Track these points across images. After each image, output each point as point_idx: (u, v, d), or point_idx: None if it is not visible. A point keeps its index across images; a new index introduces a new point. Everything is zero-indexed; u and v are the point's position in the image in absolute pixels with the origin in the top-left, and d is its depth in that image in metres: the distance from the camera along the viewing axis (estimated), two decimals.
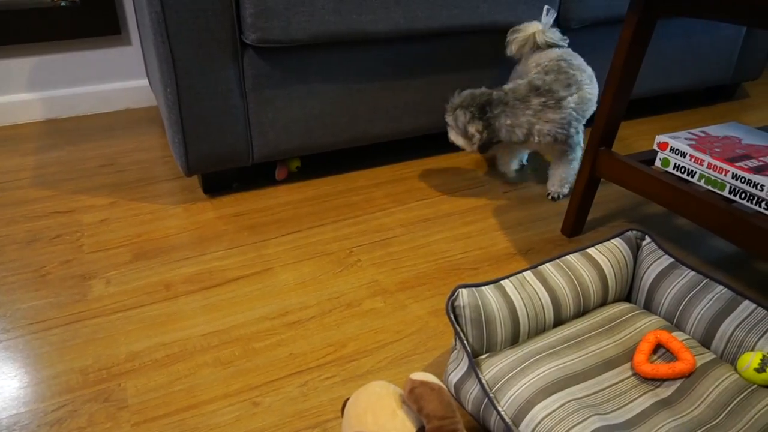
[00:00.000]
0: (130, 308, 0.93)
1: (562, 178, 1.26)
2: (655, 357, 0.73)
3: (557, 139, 1.18)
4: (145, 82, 1.84)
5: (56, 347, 0.85)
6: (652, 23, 0.92)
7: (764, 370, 0.66)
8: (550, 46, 1.26)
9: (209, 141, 1.19)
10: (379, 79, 1.30)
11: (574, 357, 0.71)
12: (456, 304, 0.71)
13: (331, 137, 1.31)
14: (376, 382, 0.65)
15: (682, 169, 0.95)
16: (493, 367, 0.69)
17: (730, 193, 0.89)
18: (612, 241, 0.84)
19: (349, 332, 0.88)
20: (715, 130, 1.02)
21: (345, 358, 0.84)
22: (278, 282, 1.00)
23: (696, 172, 0.93)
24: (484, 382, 0.67)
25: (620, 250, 0.83)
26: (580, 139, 1.22)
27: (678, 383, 0.69)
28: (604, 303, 0.82)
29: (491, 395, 0.66)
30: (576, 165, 1.25)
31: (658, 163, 0.99)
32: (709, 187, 0.92)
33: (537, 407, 0.63)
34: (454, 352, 0.73)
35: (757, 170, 0.86)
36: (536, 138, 1.18)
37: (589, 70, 1.23)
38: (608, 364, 0.71)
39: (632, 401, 0.67)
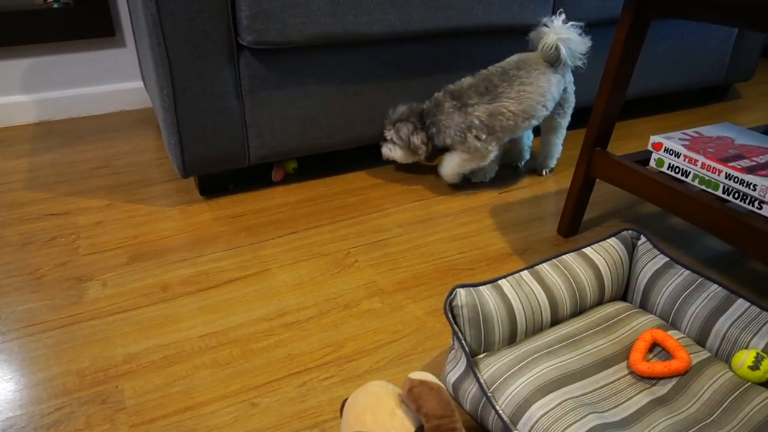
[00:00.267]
0: (127, 310, 0.93)
1: (447, 162, 1.28)
2: (651, 355, 0.73)
3: (461, 140, 1.23)
4: (139, 83, 1.84)
5: (52, 349, 0.85)
6: (646, 24, 0.93)
7: (758, 368, 0.67)
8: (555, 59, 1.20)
9: (205, 143, 1.19)
10: (375, 81, 1.31)
11: (571, 356, 0.72)
12: (454, 303, 0.72)
13: (328, 138, 1.32)
14: (375, 382, 0.65)
15: (677, 169, 0.96)
16: (490, 367, 0.70)
17: (723, 192, 0.90)
18: (608, 240, 0.85)
19: (347, 333, 0.89)
20: (708, 130, 1.03)
21: (343, 358, 0.84)
22: (276, 283, 1.00)
23: (690, 172, 0.94)
24: (482, 381, 0.67)
25: (616, 250, 0.84)
26: (482, 146, 1.21)
27: (674, 381, 0.69)
28: (600, 302, 0.83)
29: (489, 394, 0.66)
30: (465, 165, 1.26)
31: (652, 163, 1.00)
32: (703, 187, 0.93)
33: (534, 406, 0.64)
34: (452, 351, 0.74)
35: (749, 170, 0.87)
36: (452, 138, 1.23)
37: (536, 86, 1.17)
38: (605, 363, 0.72)
39: (629, 399, 0.67)
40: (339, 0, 1.14)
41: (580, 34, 1.19)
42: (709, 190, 0.92)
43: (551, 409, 0.63)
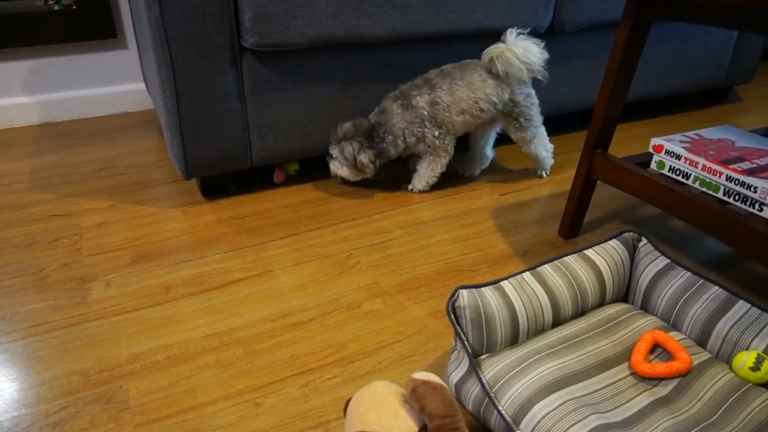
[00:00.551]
0: (131, 311, 0.94)
1: (420, 175, 1.32)
2: (652, 356, 0.74)
3: (419, 138, 1.25)
4: (141, 85, 1.84)
5: (57, 349, 0.85)
6: (646, 26, 0.94)
7: (759, 369, 0.67)
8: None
9: (208, 144, 1.19)
10: (377, 83, 1.31)
11: (573, 357, 0.72)
12: (456, 304, 0.72)
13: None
14: (378, 382, 0.66)
15: (677, 172, 0.97)
16: (493, 367, 0.70)
17: (724, 195, 0.90)
18: (609, 242, 0.85)
19: (349, 333, 0.89)
20: (708, 132, 1.04)
21: (346, 359, 0.84)
22: (278, 284, 1.00)
23: (691, 175, 0.95)
24: (484, 381, 0.68)
25: (617, 252, 0.84)
26: (439, 142, 1.25)
27: (675, 382, 0.70)
28: (601, 303, 0.83)
29: (492, 395, 0.67)
30: (436, 168, 1.30)
31: (653, 165, 1.01)
32: (704, 189, 0.93)
33: (537, 406, 0.64)
34: (455, 352, 0.74)
35: (750, 172, 0.87)
36: (407, 140, 1.25)
37: (467, 82, 1.21)
38: (606, 364, 0.72)
39: (630, 400, 0.68)
40: (341, 2, 1.15)
41: (536, 49, 1.22)
42: (710, 192, 0.92)
43: (553, 410, 0.63)
